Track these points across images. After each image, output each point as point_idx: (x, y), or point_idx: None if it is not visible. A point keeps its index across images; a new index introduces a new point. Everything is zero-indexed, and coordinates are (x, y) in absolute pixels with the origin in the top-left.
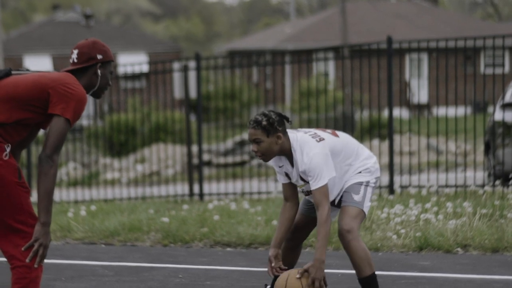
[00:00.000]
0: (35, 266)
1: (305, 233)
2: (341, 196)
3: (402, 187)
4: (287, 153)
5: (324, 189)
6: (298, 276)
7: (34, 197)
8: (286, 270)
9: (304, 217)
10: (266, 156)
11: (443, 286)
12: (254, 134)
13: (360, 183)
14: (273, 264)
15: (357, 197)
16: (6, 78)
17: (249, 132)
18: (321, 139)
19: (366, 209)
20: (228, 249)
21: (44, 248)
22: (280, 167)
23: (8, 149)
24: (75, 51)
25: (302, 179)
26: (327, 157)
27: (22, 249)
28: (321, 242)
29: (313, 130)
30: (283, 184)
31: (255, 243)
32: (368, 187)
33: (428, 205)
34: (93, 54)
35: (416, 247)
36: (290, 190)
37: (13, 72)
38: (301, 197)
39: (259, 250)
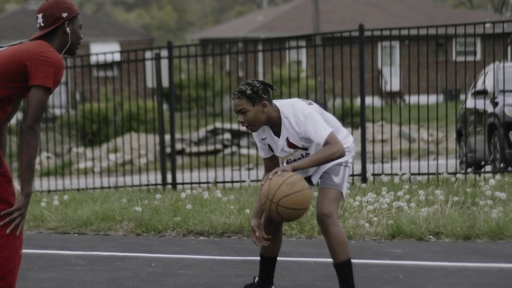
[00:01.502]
0: (17, 233)
1: (279, 223)
2: (320, 176)
3: (374, 175)
4: (275, 122)
5: (332, 136)
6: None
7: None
8: (269, 239)
9: None
10: (253, 126)
11: (416, 274)
12: (239, 104)
13: (340, 164)
14: (257, 234)
15: (336, 179)
16: None
17: (233, 102)
18: (311, 103)
19: (344, 191)
20: (201, 238)
21: (22, 219)
22: (263, 139)
23: None
24: (40, 15)
25: (290, 145)
26: (319, 116)
27: (2, 214)
28: (311, 157)
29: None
30: (265, 159)
31: (228, 232)
32: (346, 167)
33: (400, 193)
34: (58, 14)
35: (388, 235)
36: (272, 163)
37: None
38: None
39: (232, 239)
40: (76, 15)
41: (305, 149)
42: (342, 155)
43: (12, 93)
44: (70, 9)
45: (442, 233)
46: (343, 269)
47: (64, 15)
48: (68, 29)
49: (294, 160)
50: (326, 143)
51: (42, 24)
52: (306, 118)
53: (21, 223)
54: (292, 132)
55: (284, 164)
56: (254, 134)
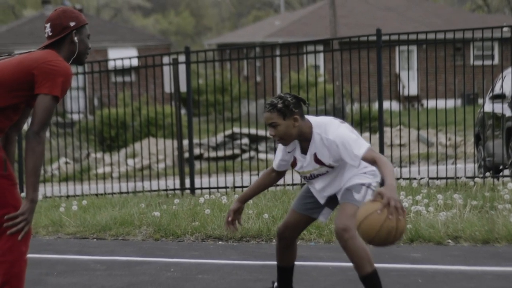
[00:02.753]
0: (19, 238)
1: (296, 232)
2: (341, 194)
3: None
4: (305, 137)
5: (370, 150)
6: (371, 199)
7: None
8: (240, 226)
9: (297, 216)
10: (285, 140)
11: (434, 278)
12: (270, 117)
13: (363, 184)
14: (229, 218)
15: (357, 196)
16: None
17: (264, 116)
18: (343, 122)
19: None
20: (220, 242)
21: (27, 224)
22: (289, 152)
23: None
24: (48, 25)
25: (317, 161)
26: (354, 133)
27: (5, 217)
28: (387, 171)
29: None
30: (279, 161)
31: (247, 237)
32: (369, 189)
33: (419, 197)
34: (66, 23)
35: (407, 239)
36: (283, 168)
37: None
38: (295, 193)
39: (251, 244)
40: (84, 25)
41: (331, 167)
42: (386, 158)
43: (19, 102)
44: (78, 18)
45: (460, 237)
46: (370, 282)
47: (72, 24)
48: (75, 38)
49: (319, 175)
50: (369, 160)
51: (50, 33)
52: (337, 136)
53: (24, 228)
54: (322, 149)
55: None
56: (281, 145)
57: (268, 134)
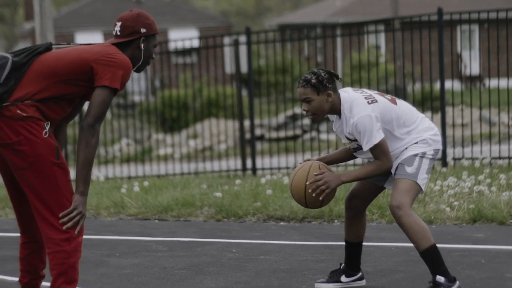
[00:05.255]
0: (76, 232)
1: (364, 201)
2: (394, 169)
3: (455, 159)
4: (337, 112)
5: (380, 146)
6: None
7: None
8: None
9: (363, 184)
10: (317, 115)
11: (497, 258)
12: (304, 93)
13: (415, 155)
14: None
15: (410, 169)
16: (48, 53)
17: (298, 91)
18: (374, 101)
19: (421, 182)
20: (281, 223)
21: (82, 217)
22: (332, 121)
23: (47, 127)
24: (118, 24)
25: (346, 137)
26: (375, 119)
27: (60, 215)
28: (360, 171)
29: (370, 92)
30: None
31: (308, 217)
32: (424, 158)
33: (481, 177)
34: (137, 27)
35: (469, 219)
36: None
37: (53, 46)
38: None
39: (313, 224)
40: (154, 34)
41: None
42: (388, 168)
43: (73, 92)
44: (150, 26)
45: None
46: (429, 257)
47: (143, 30)
48: (142, 45)
49: (354, 149)
50: (374, 155)
51: (118, 33)
52: (356, 121)
53: (80, 222)
54: (345, 128)
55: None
56: (330, 117)
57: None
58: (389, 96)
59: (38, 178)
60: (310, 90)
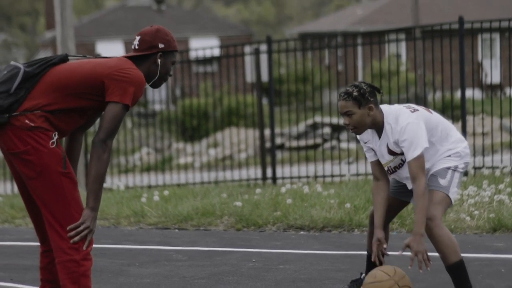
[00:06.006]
0: (84, 248)
1: (387, 216)
2: (428, 180)
3: (475, 168)
4: (379, 126)
5: (420, 160)
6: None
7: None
8: (388, 256)
9: (389, 200)
10: (358, 128)
11: None
12: (345, 106)
13: (448, 168)
14: (384, 246)
15: (443, 182)
16: (62, 65)
17: (339, 104)
18: (415, 110)
19: (452, 195)
20: (302, 232)
21: (90, 232)
22: (365, 143)
23: (55, 138)
24: (138, 38)
25: (390, 152)
26: (421, 127)
27: (68, 228)
28: (419, 216)
29: (407, 104)
30: (372, 163)
31: (329, 226)
32: (456, 172)
33: (501, 186)
34: (155, 42)
35: (489, 228)
36: (380, 167)
37: (69, 57)
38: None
39: (332, 233)
40: (173, 51)
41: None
42: (425, 187)
43: (84, 105)
44: (169, 42)
45: None
46: (457, 272)
47: (161, 46)
48: (159, 60)
49: (395, 167)
50: (412, 168)
51: (136, 47)
52: (403, 128)
53: (88, 237)
54: (391, 139)
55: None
56: (358, 136)
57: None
58: (423, 107)
59: (45, 188)
60: (351, 103)
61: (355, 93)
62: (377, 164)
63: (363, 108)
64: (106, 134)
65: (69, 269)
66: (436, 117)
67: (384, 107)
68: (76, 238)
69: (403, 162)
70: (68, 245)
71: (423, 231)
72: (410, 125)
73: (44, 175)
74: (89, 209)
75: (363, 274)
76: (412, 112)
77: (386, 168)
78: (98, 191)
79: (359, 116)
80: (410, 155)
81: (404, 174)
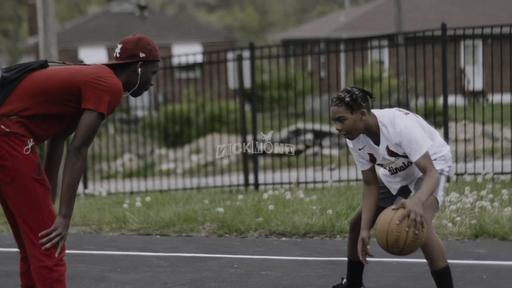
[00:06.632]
0: (56, 255)
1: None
2: (414, 183)
3: (457, 174)
4: (372, 131)
5: (427, 157)
6: (393, 207)
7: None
8: (372, 257)
9: (376, 208)
10: (351, 134)
11: (499, 274)
12: (337, 111)
13: None
14: (368, 246)
15: None
16: (41, 70)
17: (331, 110)
18: (407, 113)
19: (439, 199)
20: (283, 238)
21: (62, 239)
22: (360, 149)
23: (30, 144)
24: (119, 46)
25: (391, 154)
26: (417, 127)
27: (39, 235)
28: (426, 188)
29: (397, 108)
30: (363, 171)
31: (311, 233)
32: (442, 175)
33: (483, 193)
34: (136, 51)
35: (471, 234)
36: (372, 174)
37: (49, 63)
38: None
39: (315, 240)
40: (154, 61)
41: (406, 156)
42: (437, 178)
43: (62, 111)
44: (151, 52)
45: None
46: (442, 277)
47: (142, 55)
48: (139, 69)
49: (396, 169)
50: (421, 165)
51: (117, 55)
52: (402, 130)
53: (60, 244)
54: (392, 141)
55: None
56: (350, 145)
57: (333, 130)
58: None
59: (18, 193)
60: (343, 108)
61: (347, 99)
62: (369, 171)
63: (355, 113)
64: (80, 143)
65: (42, 275)
66: (422, 121)
67: (376, 111)
68: (47, 245)
69: (404, 165)
70: (40, 252)
71: (424, 200)
72: (408, 127)
73: (18, 181)
74: (62, 216)
75: (344, 280)
76: (405, 115)
77: (387, 169)
78: (71, 198)
79: (351, 122)
80: (415, 156)
81: (412, 172)
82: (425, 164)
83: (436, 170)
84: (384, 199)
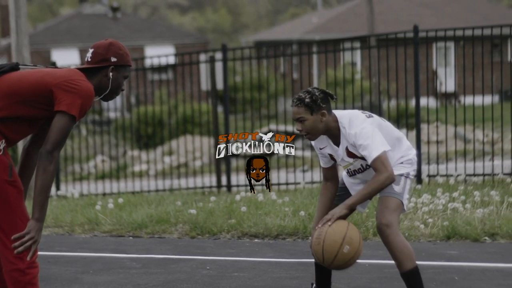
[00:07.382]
0: (28, 259)
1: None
2: None
3: (429, 176)
4: (333, 132)
5: (382, 158)
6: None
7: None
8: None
9: (328, 210)
10: (311, 134)
11: (471, 275)
12: (298, 112)
13: (401, 174)
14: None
15: (397, 188)
16: (12, 73)
17: (292, 110)
18: (371, 116)
19: (405, 201)
20: (256, 240)
21: (34, 243)
22: (321, 149)
23: (2, 145)
24: (91, 50)
25: (350, 155)
26: (376, 130)
27: (12, 238)
28: (365, 191)
29: (362, 110)
30: (324, 168)
31: (283, 234)
32: (408, 178)
33: (455, 194)
34: (107, 56)
35: (443, 236)
36: (331, 171)
37: (20, 66)
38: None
39: (287, 241)
40: (125, 66)
41: (365, 159)
42: (392, 180)
43: (34, 113)
44: (122, 56)
45: (497, 234)
46: (411, 278)
47: (113, 59)
48: (110, 74)
49: (354, 171)
50: (375, 167)
51: (89, 59)
52: (359, 131)
53: (32, 247)
54: (349, 141)
55: (343, 175)
56: (313, 143)
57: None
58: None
59: None
60: (303, 109)
61: (307, 100)
62: (330, 168)
63: (315, 114)
64: (52, 146)
65: (15, 278)
66: (389, 125)
67: (337, 112)
68: (20, 249)
69: (363, 167)
70: (12, 255)
71: (351, 203)
72: (365, 130)
73: None
74: (35, 220)
75: (314, 285)
76: (368, 117)
77: (346, 170)
78: (43, 202)
79: (311, 122)
80: (370, 158)
81: (371, 175)
82: (376, 167)
83: (389, 175)
84: (342, 195)
